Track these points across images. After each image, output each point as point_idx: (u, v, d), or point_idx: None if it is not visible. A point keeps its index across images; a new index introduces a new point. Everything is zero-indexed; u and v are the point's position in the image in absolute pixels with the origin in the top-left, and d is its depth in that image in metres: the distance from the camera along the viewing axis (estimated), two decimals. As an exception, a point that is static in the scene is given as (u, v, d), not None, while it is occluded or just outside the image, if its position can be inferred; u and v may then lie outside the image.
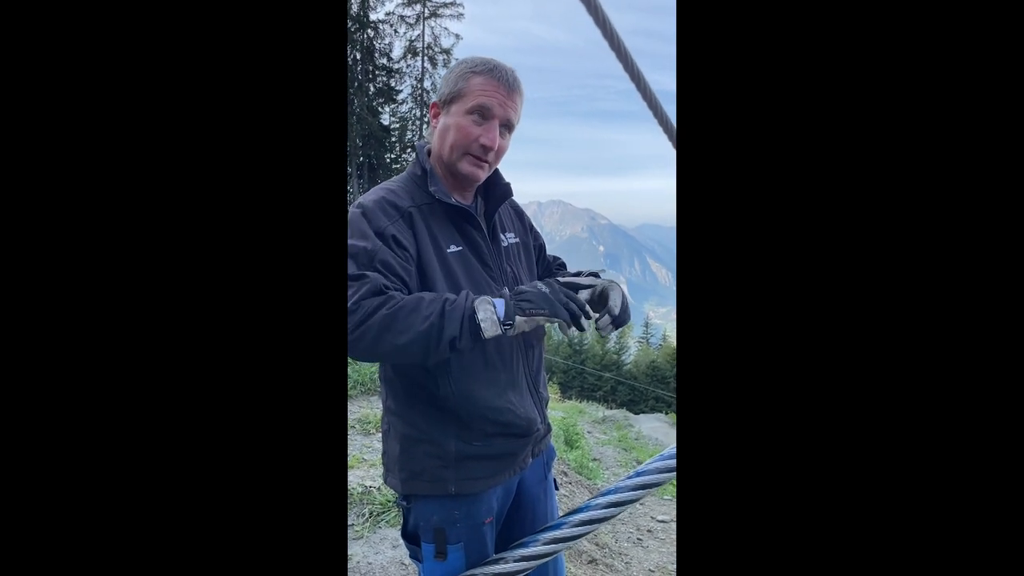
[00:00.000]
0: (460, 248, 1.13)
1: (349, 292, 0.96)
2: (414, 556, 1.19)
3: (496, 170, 1.22)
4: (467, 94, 1.11)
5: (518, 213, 1.35)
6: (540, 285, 1.04)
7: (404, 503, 1.16)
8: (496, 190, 1.22)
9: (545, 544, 1.02)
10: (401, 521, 1.19)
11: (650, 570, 2.50)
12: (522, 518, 1.24)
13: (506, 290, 1.05)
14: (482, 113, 1.11)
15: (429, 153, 1.19)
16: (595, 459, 5.96)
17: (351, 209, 1.08)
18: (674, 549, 2.77)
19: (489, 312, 0.98)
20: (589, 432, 7.36)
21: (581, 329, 1.00)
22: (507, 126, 1.15)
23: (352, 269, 1.00)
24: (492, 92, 1.11)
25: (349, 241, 1.03)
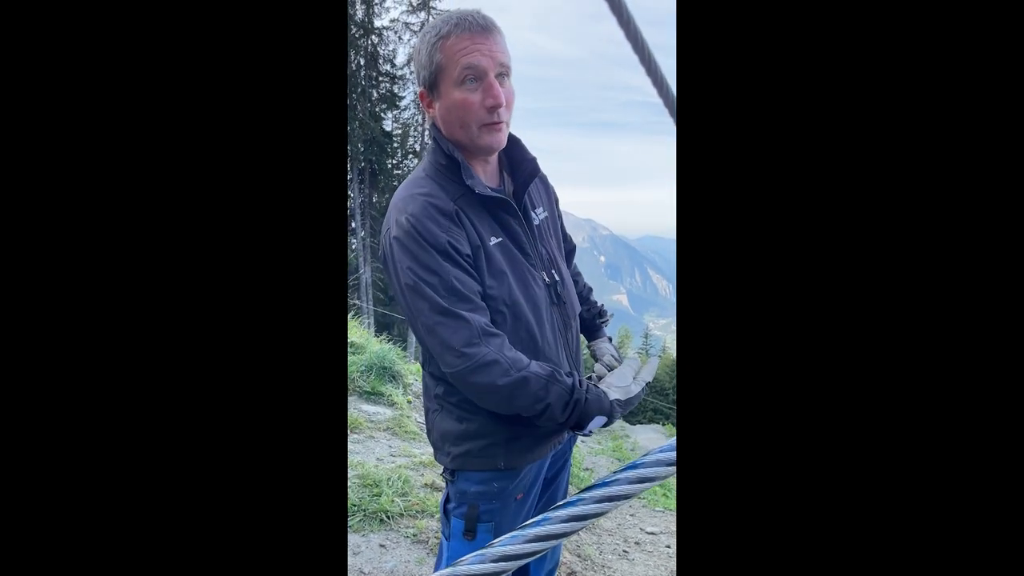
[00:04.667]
0: (501, 239, 1.09)
1: (445, 330, 0.99)
2: (445, 534, 1.20)
3: (520, 145, 1.16)
4: (447, 64, 1.01)
5: (543, 183, 1.29)
6: (635, 390, 1.06)
7: (449, 477, 1.16)
8: (523, 167, 1.15)
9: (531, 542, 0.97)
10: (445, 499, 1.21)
11: (634, 584, 2.41)
12: (550, 491, 1.29)
13: (611, 409, 1.05)
14: (474, 76, 1.01)
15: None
16: (587, 468, 5.90)
17: (400, 219, 1.03)
18: (661, 563, 2.68)
19: (596, 424, 1.02)
20: (583, 441, 7.28)
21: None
22: (502, 72, 1.04)
23: (429, 293, 0.99)
24: (470, 47, 0.99)
25: (408, 262, 1.01)
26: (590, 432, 1.03)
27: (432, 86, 1.05)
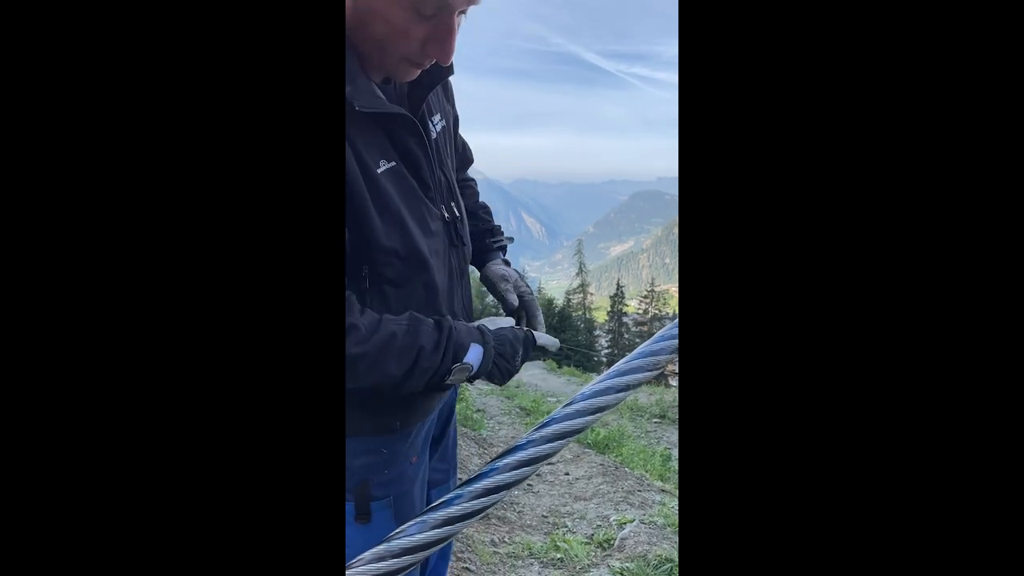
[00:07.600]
0: (393, 164, 0.81)
1: None
2: None
3: None
4: None
5: (444, 84, 0.98)
6: (517, 345, 0.90)
7: None
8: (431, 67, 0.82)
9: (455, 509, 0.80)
10: None
11: (543, 516, 2.43)
12: (439, 449, 1.12)
13: (488, 338, 0.87)
14: (437, 8, 0.70)
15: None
16: (479, 410, 5.95)
17: None
18: (563, 491, 2.73)
19: (464, 374, 0.85)
20: (470, 384, 7.35)
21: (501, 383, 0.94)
22: (463, 11, 0.75)
23: None
24: None
25: None
26: (472, 370, 0.86)
27: None
